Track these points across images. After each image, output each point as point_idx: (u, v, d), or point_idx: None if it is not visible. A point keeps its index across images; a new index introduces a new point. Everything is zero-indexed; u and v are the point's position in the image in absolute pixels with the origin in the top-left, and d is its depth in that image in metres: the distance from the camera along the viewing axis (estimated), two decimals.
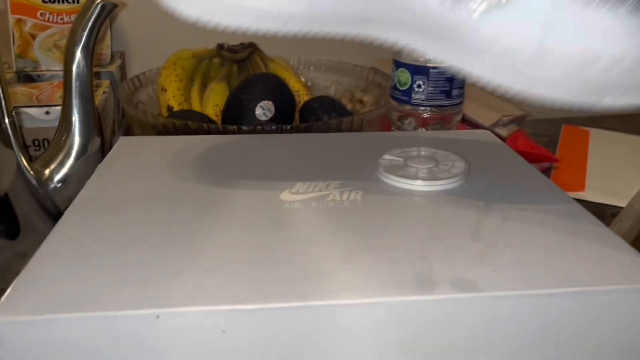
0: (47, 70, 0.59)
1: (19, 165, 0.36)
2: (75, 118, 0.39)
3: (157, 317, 0.23)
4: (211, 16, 0.25)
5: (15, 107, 0.50)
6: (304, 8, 0.25)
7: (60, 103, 0.48)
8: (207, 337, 0.23)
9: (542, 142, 0.68)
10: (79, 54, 0.38)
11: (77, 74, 0.38)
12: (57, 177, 0.39)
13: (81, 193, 0.33)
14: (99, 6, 0.38)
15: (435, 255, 0.27)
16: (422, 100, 0.50)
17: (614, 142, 0.75)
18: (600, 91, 0.23)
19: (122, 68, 0.64)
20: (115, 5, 0.39)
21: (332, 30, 0.25)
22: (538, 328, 0.25)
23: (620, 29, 0.23)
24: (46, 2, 0.57)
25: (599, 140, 0.74)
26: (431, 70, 0.49)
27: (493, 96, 0.67)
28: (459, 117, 0.53)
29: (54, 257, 0.26)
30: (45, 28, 0.58)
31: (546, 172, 0.63)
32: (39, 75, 0.59)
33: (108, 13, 0.38)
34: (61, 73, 0.59)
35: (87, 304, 0.23)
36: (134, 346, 0.23)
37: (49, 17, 0.57)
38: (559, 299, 0.24)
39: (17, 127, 0.36)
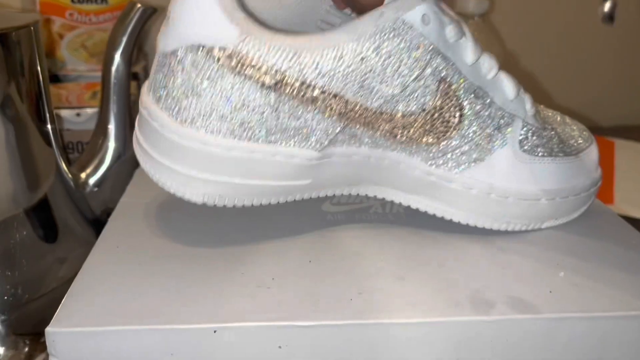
0: (73, 70, 0.59)
1: (58, 168, 0.36)
2: (112, 122, 0.39)
3: (215, 331, 0.23)
4: (220, 198, 0.26)
5: None
6: (303, 183, 0.28)
7: (90, 105, 0.48)
8: (263, 353, 0.23)
9: None
10: (118, 58, 0.38)
11: (116, 78, 0.38)
12: (93, 180, 0.39)
13: (122, 199, 0.33)
14: (140, 11, 0.37)
15: (489, 273, 0.26)
16: None
17: None
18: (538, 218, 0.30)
19: (146, 69, 0.64)
20: (155, 10, 0.38)
21: (320, 193, 0.29)
22: (594, 352, 0.24)
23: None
24: (75, 3, 0.56)
25: (625, 152, 0.73)
26: None
27: None
28: None
29: (104, 266, 0.26)
30: (73, 28, 0.57)
31: None
32: (65, 75, 0.58)
33: (148, 17, 0.38)
34: (88, 73, 0.59)
35: (141, 316, 0.23)
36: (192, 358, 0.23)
37: (77, 18, 0.57)
38: (616, 321, 0.24)
39: (57, 130, 0.35)
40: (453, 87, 0.26)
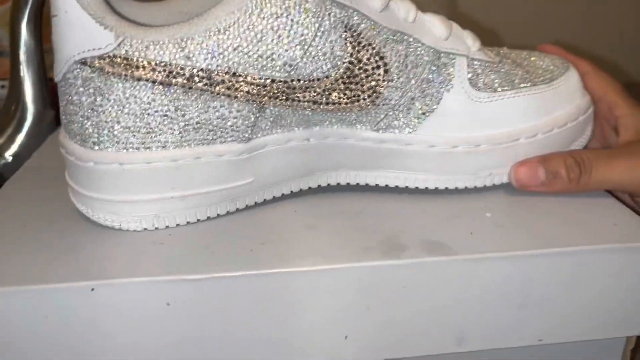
0: (7, 46, 0.56)
1: None
2: (26, 89, 0.36)
3: (92, 289, 0.20)
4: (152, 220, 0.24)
5: None
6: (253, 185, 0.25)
7: None
8: (150, 311, 0.21)
9: None
10: (24, 25, 0.35)
11: (25, 43, 0.35)
12: (9, 151, 0.36)
13: (26, 164, 0.31)
14: None
15: (407, 218, 0.24)
16: None
17: None
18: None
19: None
20: None
21: (275, 193, 0.26)
22: (517, 291, 0.22)
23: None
24: None
25: None
26: None
27: None
28: None
29: None
30: (4, 2, 0.55)
31: None
32: (3, 52, 0.56)
33: None
34: None
35: (18, 277, 0.20)
36: (69, 320, 0.20)
37: None
38: (538, 260, 0.22)
39: None
40: (364, 35, 0.23)
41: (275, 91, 0.23)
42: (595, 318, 0.23)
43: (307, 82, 0.23)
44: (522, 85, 0.26)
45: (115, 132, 0.22)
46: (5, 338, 0.20)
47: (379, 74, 0.24)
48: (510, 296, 0.22)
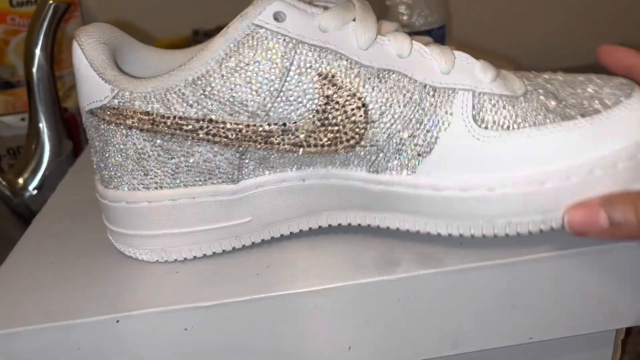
0: (23, 76, 0.59)
1: None
2: (43, 123, 0.38)
3: (117, 321, 0.23)
4: (161, 253, 0.26)
5: None
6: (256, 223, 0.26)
7: None
8: (169, 337, 0.23)
9: None
10: (37, 57, 0.37)
11: (39, 78, 0.38)
12: (32, 184, 0.39)
13: (51, 199, 0.33)
14: (52, 7, 0.37)
15: (399, 233, 0.26)
16: None
17: None
18: None
19: None
20: (69, 5, 0.38)
21: (281, 231, 0.26)
22: (506, 298, 0.24)
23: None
24: (14, 6, 0.56)
25: None
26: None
27: (480, 52, 0.65)
28: None
29: (18, 269, 0.26)
30: (17, 32, 0.57)
31: None
32: (18, 82, 0.58)
33: (62, 13, 0.37)
34: None
35: (47, 315, 0.23)
36: (97, 352, 0.23)
37: (19, 22, 0.56)
38: (523, 266, 0.23)
39: None
40: (339, 77, 0.23)
41: (252, 135, 0.24)
42: (582, 314, 0.25)
43: (282, 127, 0.23)
44: (547, 120, 0.23)
45: (120, 174, 0.25)
46: None
47: (360, 115, 0.23)
48: (500, 300, 0.24)
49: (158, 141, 0.24)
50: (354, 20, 0.23)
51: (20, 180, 0.38)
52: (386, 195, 0.24)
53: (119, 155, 0.25)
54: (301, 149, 0.24)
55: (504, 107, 0.23)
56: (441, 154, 0.23)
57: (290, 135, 0.24)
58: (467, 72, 0.23)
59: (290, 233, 0.26)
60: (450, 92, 0.23)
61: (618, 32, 0.75)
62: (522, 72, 0.26)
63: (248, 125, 0.23)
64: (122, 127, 0.24)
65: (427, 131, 0.23)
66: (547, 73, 0.26)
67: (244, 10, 0.23)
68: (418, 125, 0.23)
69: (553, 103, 0.23)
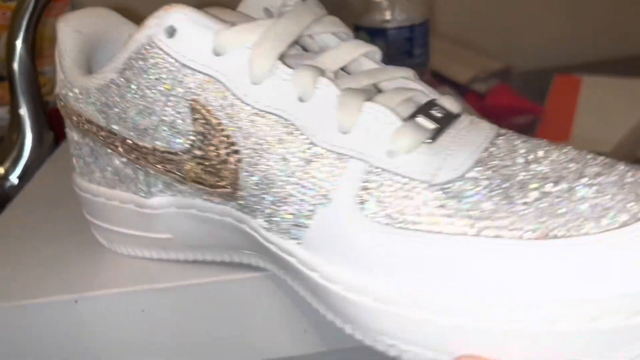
0: None
1: None
2: (24, 114, 0.39)
3: (76, 302, 0.23)
4: (110, 244, 0.26)
5: None
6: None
7: None
8: (126, 319, 0.23)
9: (532, 95, 0.65)
10: (19, 49, 0.38)
11: (20, 70, 0.38)
12: (13, 174, 0.39)
13: (27, 187, 0.33)
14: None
15: None
16: (384, 63, 0.49)
17: (608, 88, 0.71)
18: None
19: None
20: None
21: (208, 258, 0.24)
22: None
23: None
24: (5, 1, 0.57)
25: (592, 88, 0.71)
26: (389, 31, 0.48)
27: (467, 51, 0.65)
28: (426, 77, 0.51)
29: None
30: (7, 27, 0.58)
31: (532, 124, 0.61)
32: (3, 76, 0.59)
33: (44, 5, 0.38)
34: None
35: (6, 295, 0.23)
36: (58, 331, 0.23)
37: (9, 16, 0.57)
38: None
39: None
40: (213, 114, 0.19)
41: (147, 157, 0.22)
42: None
43: (171, 154, 0.21)
44: (468, 230, 0.16)
45: (81, 167, 0.25)
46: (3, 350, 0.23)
47: (230, 162, 0.20)
48: None
49: (89, 141, 0.24)
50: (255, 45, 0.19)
51: (1, 170, 0.39)
52: (282, 258, 0.20)
53: (74, 147, 0.25)
54: (188, 182, 0.21)
55: (405, 197, 0.17)
56: (320, 235, 0.18)
57: (175, 164, 0.21)
58: (372, 136, 0.18)
59: (225, 260, 0.24)
60: (341, 158, 0.18)
61: (615, 28, 0.74)
62: (508, 136, 0.19)
63: (142, 146, 0.22)
64: (67, 121, 0.25)
65: (301, 200, 0.18)
66: (546, 146, 0.18)
67: (145, 20, 0.20)
68: (292, 189, 0.19)
69: (489, 205, 0.16)
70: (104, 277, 0.24)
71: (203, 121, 0.20)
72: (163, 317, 0.23)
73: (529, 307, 0.15)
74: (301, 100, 0.19)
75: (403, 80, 0.20)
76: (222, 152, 0.20)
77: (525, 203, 0.16)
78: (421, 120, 0.18)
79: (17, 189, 0.39)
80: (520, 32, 0.73)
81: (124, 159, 0.23)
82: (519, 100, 0.63)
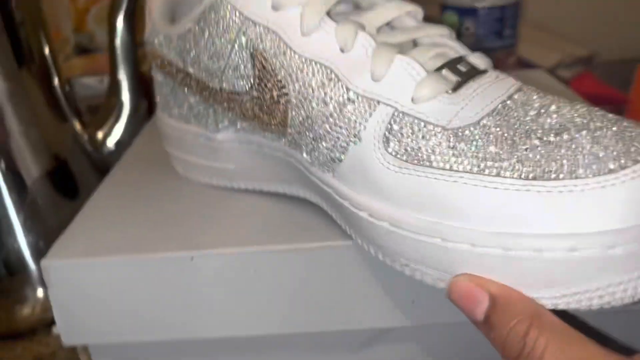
0: (102, 43, 0.62)
1: (74, 133, 0.38)
2: (123, 83, 0.40)
3: (192, 259, 0.24)
4: (185, 172, 0.30)
5: (71, 78, 0.53)
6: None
7: None
8: (239, 278, 0.24)
9: (616, 85, 0.62)
10: (120, 20, 0.39)
11: (121, 39, 0.39)
12: (111, 139, 0.41)
13: (127, 151, 0.35)
14: None
15: None
16: (471, 43, 0.48)
17: None
18: None
19: None
20: None
21: (264, 187, 0.27)
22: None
23: None
24: None
25: None
26: (480, 11, 0.46)
27: (552, 35, 0.63)
28: (512, 59, 0.50)
29: (100, 208, 0.28)
30: (96, 1, 0.60)
31: (615, 114, 0.59)
32: (96, 48, 0.61)
33: None
34: None
35: (127, 249, 0.24)
36: (171, 287, 0.24)
37: None
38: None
39: (69, 98, 0.38)
40: (269, 60, 0.22)
41: (216, 96, 0.25)
42: None
43: (230, 94, 0.25)
44: (475, 169, 0.18)
45: (162, 104, 0.30)
46: (113, 302, 0.24)
47: (282, 103, 0.23)
48: None
49: (169, 81, 0.28)
50: (300, 4, 0.22)
51: (100, 135, 0.40)
52: (322, 192, 0.23)
53: (158, 86, 0.29)
54: (250, 120, 0.25)
55: (422, 137, 0.19)
56: (351, 168, 0.21)
57: (240, 103, 0.24)
58: (399, 84, 0.20)
59: (285, 193, 0.26)
60: (371, 103, 0.20)
61: None
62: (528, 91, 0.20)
63: (212, 87, 0.25)
64: (153, 64, 0.28)
65: (339, 138, 0.21)
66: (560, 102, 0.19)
67: None
68: (330, 127, 0.21)
69: (493, 149, 0.18)
70: (217, 236, 0.24)
71: (260, 67, 0.23)
72: (273, 280, 0.24)
73: (520, 237, 0.17)
74: (342, 51, 0.21)
75: (439, 38, 0.22)
76: (275, 94, 0.23)
77: (527, 149, 0.18)
78: (445, 73, 0.20)
79: (114, 155, 0.40)
80: (606, 20, 0.69)
81: (197, 98, 0.26)
82: (603, 88, 0.61)
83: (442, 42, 0.22)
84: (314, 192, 0.24)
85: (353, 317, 0.24)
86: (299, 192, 0.26)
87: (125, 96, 0.41)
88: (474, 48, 0.23)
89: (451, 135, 0.19)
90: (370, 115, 0.20)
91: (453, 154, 0.19)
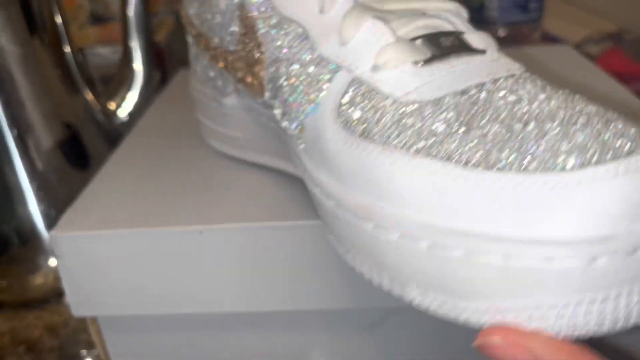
0: (118, 11, 0.61)
1: (86, 103, 0.38)
2: (136, 54, 0.40)
3: (201, 232, 0.23)
4: (204, 137, 0.30)
5: (84, 48, 0.52)
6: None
7: None
8: (246, 253, 0.23)
9: None
10: None
11: (134, 8, 0.39)
12: (124, 110, 0.40)
13: (140, 122, 0.34)
14: None
15: None
16: (495, 17, 0.46)
17: None
18: None
19: None
20: None
21: (268, 162, 0.26)
22: None
23: None
24: None
25: None
26: None
27: (581, 9, 0.60)
28: (537, 34, 0.48)
29: (109, 180, 0.27)
30: None
31: None
32: (111, 17, 0.60)
33: None
34: None
35: (137, 221, 0.24)
36: (180, 260, 0.24)
37: None
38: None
39: (82, 67, 0.37)
40: (252, 18, 0.22)
41: (216, 55, 0.25)
42: None
43: (226, 53, 0.24)
44: (413, 148, 0.16)
45: (191, 65, 0.29)
46: (122, 274, 0.24)
47: (261, 62, 0.22)
48: None
49: (192, 42, 0.28)
50: None
51: (112, 105, 0.40)
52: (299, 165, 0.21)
53: (189, 49, 0.29)
54: (242, 82, 0.24)
55: (371, 108, 0.17)
56: (311, 139, 0.19)
57: (233, 63, 0.24)
58: (364, 50, 0.18)
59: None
60: (333, 67, 0.19)
61: None
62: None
63: (213, 47, 0.25)
64: (185, 26, 0.28)
65: (300, 103, 0.20)
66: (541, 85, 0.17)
67: None
68: (293, 92, 0.20)
69: (445, 129, 0.16)
70: (227, 211, 0.24)
71: (245, 23, 0.22)
72: (282, 256, 0.23)
73: (450, 232, 0.15)
74: (321, 11, 0.20)
75: (444, 13, 0.20)
76: (255, 52, 0.22)
77: (481, 134, 0.15)
78: (420, 44, 0.18)
79: (126, 125, 0.40)
80: None
81: (208, 59, 0.26)
82: (632, 65, 0.58)
83: (443, 16, 0.20)
84: (301, 171, 0.22)
85: (363, 295, 0.24)
86: (292, 168, 0.24)
87: (138, 66, 0.40)
88: (498, 21, 0.21)
89: (400, 109, 0.17)
90: (330, 80, 0.19)
91: (395, 130, 0.16)
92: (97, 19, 0.59)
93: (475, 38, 0.19)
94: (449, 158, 0.15)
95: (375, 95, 0.18)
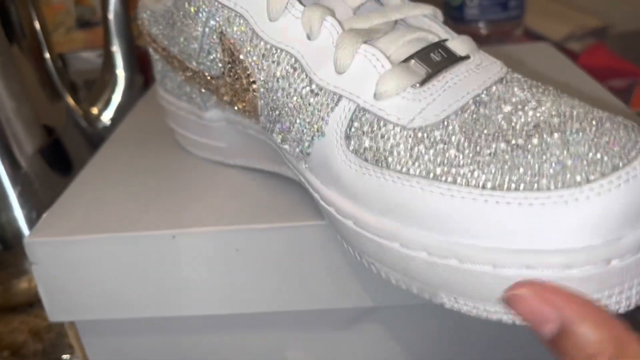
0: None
1: (68, 108, 0.38)
2: (117, 54, 0.40)
3: (174, 237, 0.23)
4: (185, 146, 0.30)
5: (70, 53, 0.52)
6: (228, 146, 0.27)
7: None
8: (221, 256, 0.24)
9: (630, 57, 0.60)
10: None
11: (115, 13, 0.39)
12: (106, 115, 0.40)
13: (119, 127, 0.34)
14: None
15: None
16: (476, 15, 0.46)
17: None
18: None
19: None
20: None
21: (257, 165, 0.26)
22: None
23: None
24: None
25: None
26: None
27: (563, 6, 0.60)
28: (519, 31, 0.48)
29: (86, 185, 0.28)
30: None
31: (629, 88, 0.57)
32: (97, 22, 0.61)
33: None
34: None
35: (111, 227, 0.24)
36: (154, 264, 0.24)
37: None
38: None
39: (62, 73, 0.37)
40: (237, 46, 0.21)
41: (196, 77, 0.25)
42: None
43: (207, 77, 0.24)
44: (431, 175, 0.17)
45: (158, 77, 0.29)
46: (97, 279, 0.24)
47: (253, 91, 0.22)
48: None
49: (159, 58, 0.27)
50: None
51: (95, 110, 0.40)
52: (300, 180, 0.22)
53: (153, 61, 0.28)
54: (228, 104, 0.24)
55: (381, 137, 0.18)
56: (319, 162, 0.20)
57: (217, 88, 0.24)
58: (362, 78, 0.19)
59: (277, 173, 0.26)
60: (333, 97, 0.19)
61: None
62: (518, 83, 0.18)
63: (191, 68, 0.25)
64: (145, 39, 0.28)
65: (302, 131, 0.20)
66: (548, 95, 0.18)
67: None
68: (294, 121, 0.20)
69: (456, 153, 0.17)
70: (201, 215, 0.24)
71: (229, 52, 0.22)
72: (255, 258, 0.24)
73: (474, 249, 0.16)
74: (309, 38, 0.20)
75: (421, 19, 0.20)
76: (244, 81, 0.22)
77: (491, 153, 0.16)
78: (414, 64, 0.19)
79: (109, 130, 0.40)
80: None
81: (182, 77, 0.26)
82: (616, 61, 0.59)
83: (423, 24, 0.21)
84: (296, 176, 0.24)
85: (337, 296, 0.24)
86: (287, 172, 0.25)
87: (120, 71, 0.40)
88: (479, 19, 0.22)
89: (411, 136, 0.18)
90: (332, 110, 0.19)
91: (410, 157, 0.17)
92: (85, 23, 0.59)
93: (457, 44, 0.20)
94: (467, 182, 0.16)
95: (381, 123, 0.18)
